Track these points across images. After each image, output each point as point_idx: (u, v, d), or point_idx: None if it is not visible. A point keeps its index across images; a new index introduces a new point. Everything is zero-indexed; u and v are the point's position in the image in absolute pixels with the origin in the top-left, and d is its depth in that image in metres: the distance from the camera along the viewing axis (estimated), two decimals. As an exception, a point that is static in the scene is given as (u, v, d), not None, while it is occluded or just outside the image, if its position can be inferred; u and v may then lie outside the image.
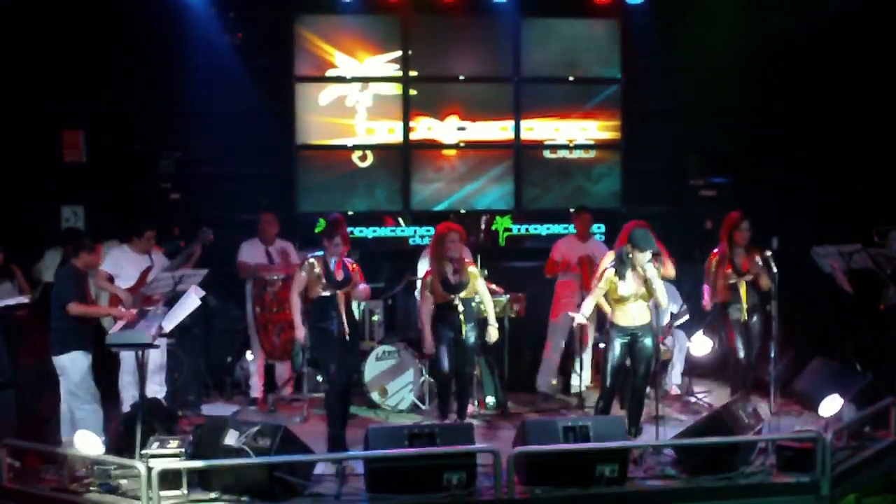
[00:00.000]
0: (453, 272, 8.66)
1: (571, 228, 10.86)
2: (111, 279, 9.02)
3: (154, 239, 9.40)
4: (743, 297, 9.26)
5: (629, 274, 8.15)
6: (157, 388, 9.13)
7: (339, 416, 8.41)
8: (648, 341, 8.26)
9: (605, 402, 8.43)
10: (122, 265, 9.13)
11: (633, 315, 8.23)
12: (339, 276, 8.40)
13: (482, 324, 8.86)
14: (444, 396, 8.83)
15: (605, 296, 8.34)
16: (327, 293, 8.35)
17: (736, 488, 7.42)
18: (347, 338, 8.38)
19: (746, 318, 9.28)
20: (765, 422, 8.28)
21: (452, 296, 8.61)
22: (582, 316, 8.44)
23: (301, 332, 8.58)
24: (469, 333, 8.66)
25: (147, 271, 9.17)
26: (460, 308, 8.61)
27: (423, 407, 9.70)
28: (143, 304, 8.70)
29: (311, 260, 8.43)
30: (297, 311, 8.56)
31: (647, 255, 8.07)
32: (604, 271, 8.34)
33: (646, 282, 8.12)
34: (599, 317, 9.18)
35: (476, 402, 9.68)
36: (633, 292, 8.16)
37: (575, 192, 11.66)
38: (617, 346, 8.27)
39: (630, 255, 8.11)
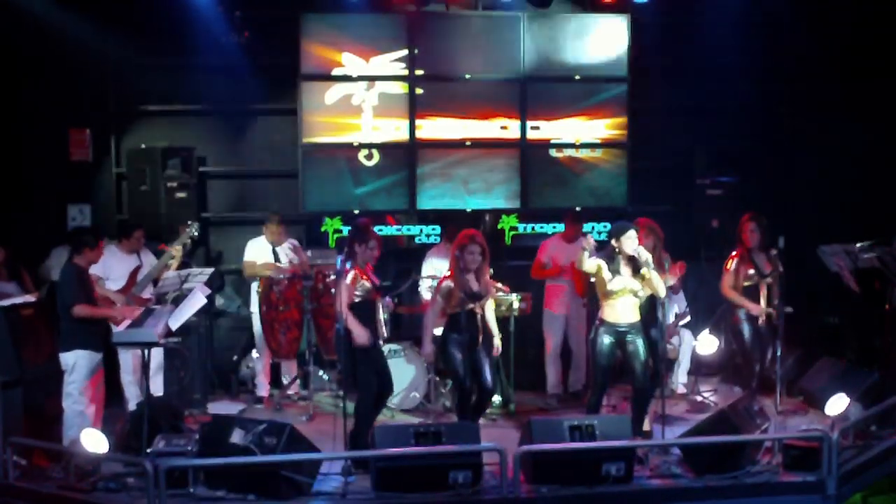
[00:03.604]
0: (475, 280, 8.38)
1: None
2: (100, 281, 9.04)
3: (143, 238, 9.42)
4: (763, 298, 9.23)
5: (621, 269, 8.14)
6: (154, 387, 9.10)
7: (371, 424, 8.11)
8: (640, 342, 8.20)
9: (596, 398, 8.39)
10: (111, 266, 9.13)
11: (621, 312, 8.18)
12: (377, 281, 8.30)
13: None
14: (465, 408, 8.42)
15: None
16: (368, 300, 8.12)
17: (742, 487, 7.41)
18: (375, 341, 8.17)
19: (765, 319, 9.24)
20: (771, 421, 8.28)
21: (472, 304, 8.32)
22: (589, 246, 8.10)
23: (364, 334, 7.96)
24: (484, 343, 8.46)
25: (136, 271, 9.18)
26: (478, 317, 8.39)
27: (430, 406, 9.70)
28: (135, 304, 8.72)
29: (355, 273, 8.03)
30: (354, 322, 7.94)
31: (632, 237, 8.06)
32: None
33: (641, 272, 8.10)
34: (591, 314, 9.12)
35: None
36: (622, 287, 8.12)
37: (581, 191, 11.64)
38: (605, 342, 8.20)
39: (617, 250, 8.11)
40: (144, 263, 9.30)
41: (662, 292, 8.27)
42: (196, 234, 9.60)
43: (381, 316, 8.33)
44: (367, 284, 8.10)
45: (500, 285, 9.60)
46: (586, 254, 8.05)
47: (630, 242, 8.06)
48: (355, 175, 11.39)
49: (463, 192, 11.52)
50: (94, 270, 8.71)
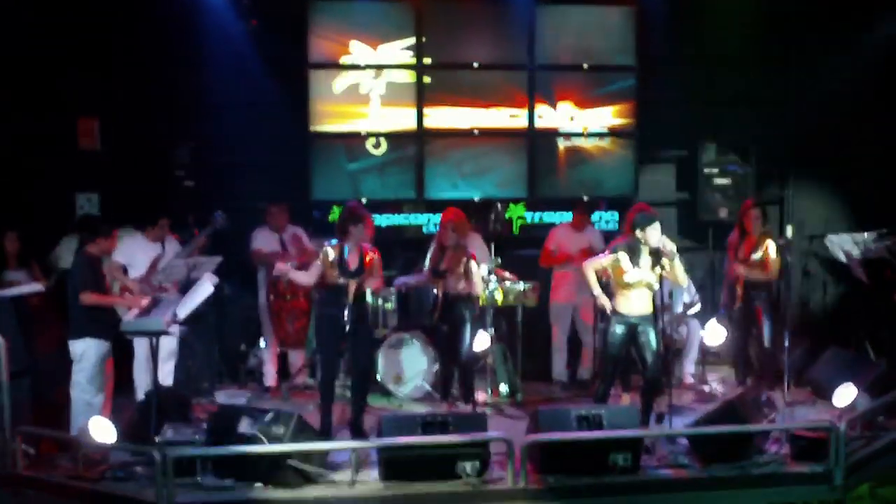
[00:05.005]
0: (445, 259, 8.84)
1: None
2: (125, 270, 9.07)
3: (168, 227, 9.44)
4: (738, 284, 9.33)
5: (642, 261, 8.11)
6: (163, 376, 9.12)
7: (329, 403, 8.38)
8: (652, 334, 8.13)
9: (605, 387, 8.38)
10: (133, 254, 9.16)
11: (634, 303, 8.13)
12: (353, 265, 8.33)
13: (496, 314, 8.88)
14: (445, 386, 9.28)
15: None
16: (339, 281, 8.29)
17: (749, 477, 7.42)
18: (352, 328, 8.24)
19: (741, 305, 9.39)
20: (778, 411, 8.27)
21: (434, 280, 8.90)
22: (602, 299, 8.31)
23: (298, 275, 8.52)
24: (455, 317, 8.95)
25: (157, 260, 9.19)
26: (435, 292, 8.92)
27: (437, 395, 9.70)
28: (153, 292, 8.73)
29: (327, 248, 8.36)
30: (300, 275, 8.50)
31: (656, 228, 8.01)
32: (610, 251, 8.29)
33: (661, 264, 8.05)
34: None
35: (489, 391, 9.70)
36: (639, 280, 8.08)
37: (589, 180, 11.63)
38: (617, 332, 8.16)
39: (642, 240, 8.07)
40: (168, 252, 9.32)
41: (685, 282, 8.29)
42: (223, 224, 9.60)
43: (348, 300, 8.28)
44: (334, 260, 8.29)
45: (508, 274, 9.62)
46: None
47: (654, 233, 8.01)
48: (363, 164, 11.39)
49: (470, 181, 11.51)
50: (117, 258, 8.76)
